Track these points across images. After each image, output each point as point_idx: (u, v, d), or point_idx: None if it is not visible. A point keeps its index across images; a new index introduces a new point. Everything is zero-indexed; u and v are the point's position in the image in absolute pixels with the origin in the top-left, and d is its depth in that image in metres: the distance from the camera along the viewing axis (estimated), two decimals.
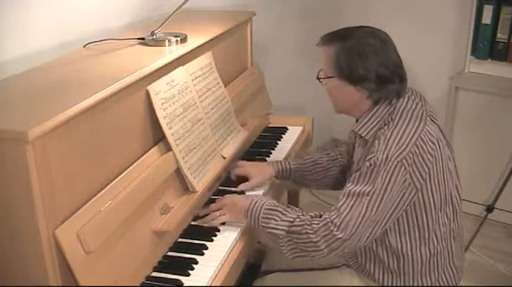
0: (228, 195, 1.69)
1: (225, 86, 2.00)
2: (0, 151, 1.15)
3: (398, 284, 1.58)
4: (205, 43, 1.88)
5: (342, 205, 1.45)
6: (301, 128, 2.33)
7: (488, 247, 2.71)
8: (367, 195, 1.43)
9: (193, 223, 1.66)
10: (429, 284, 1.58)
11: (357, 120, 1.60)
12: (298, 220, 1.49)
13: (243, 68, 2.33)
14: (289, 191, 2.45)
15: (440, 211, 1.53)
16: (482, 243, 2.70)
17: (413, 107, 1.52)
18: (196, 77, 1.82)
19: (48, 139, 1.18)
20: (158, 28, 1.81)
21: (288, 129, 2.32)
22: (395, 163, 1.42)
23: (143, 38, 1.83)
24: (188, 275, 1.44)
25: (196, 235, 1.60)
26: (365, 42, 1.50)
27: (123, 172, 1.45)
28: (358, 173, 1.47)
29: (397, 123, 1.49)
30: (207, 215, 1.65)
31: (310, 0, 3.23)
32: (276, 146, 2.17)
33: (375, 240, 1.54)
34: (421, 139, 1.46)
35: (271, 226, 1.51)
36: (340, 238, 1.43)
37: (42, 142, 1.16)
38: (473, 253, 2.64)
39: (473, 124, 2.85)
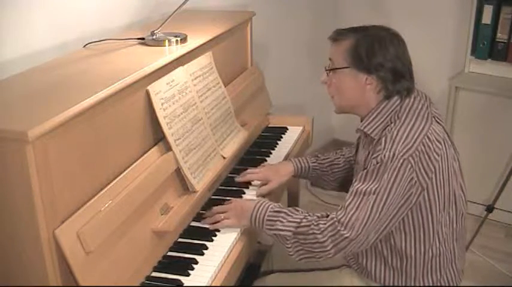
0: (234, 199, 1.68)
1: (225, 86, 2.00)
2: (0, 151, 1.15)
3: (400, 283, 1.58)
4: (205, 43, 1.88)
5: (349, 204, 1.45)
6: (301, 128, 2.33)
7: (488, 247, 2.71)
8: (374, 193, 1.42)
9: (193, 223, 1.66)
10: (430, 284, 1.58)
11: (361, 120, 1.60)
12: (305, 220, 1.48)
13: (243, 68, 2.33)
14: (289, 191, 2.44)
15: (444, 211, 1.53)
16: (482, 243, 2.70)
17: (420, 107, 1.52)
18: (196, 77, 1.82)
19: (48, 139, 1.18)
20: (158, 28, 1.81)
21: (288, 129, 2.32)
22: (401, 160, 1.42)
23: (143, 38, 1.83)
24: (188, 275, 1.44)
25: (196, 235, 1.60)
26: (383, 34, 1.53)
27: (123, 172, 1.45)
28: (364, 172, 1.47)
29: (404, 121, 1.48)
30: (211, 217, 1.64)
31: (310, 0, 3.23)
32: (276, 146, 2.17)
33: (379, 239, 1.54)
34: (428, 138, 1.46)
35: (277, 227, 1.51)
36: (347, 237, 1.42)
37: (42, 142, 1.16)
38: (473, 253, 2.64)
39: (473, 124, 2.85)
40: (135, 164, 1.49)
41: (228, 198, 1.77)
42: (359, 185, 1.46)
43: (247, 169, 1.88)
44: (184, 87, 1.73)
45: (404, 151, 1.43)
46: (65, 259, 1.22)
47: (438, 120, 1.55)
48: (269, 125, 2.36)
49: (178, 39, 1.80)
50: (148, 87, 1.57)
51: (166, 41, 1.79)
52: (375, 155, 1.46)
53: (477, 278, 2.44)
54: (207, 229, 1.62)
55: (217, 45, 2.00)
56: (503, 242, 2.78)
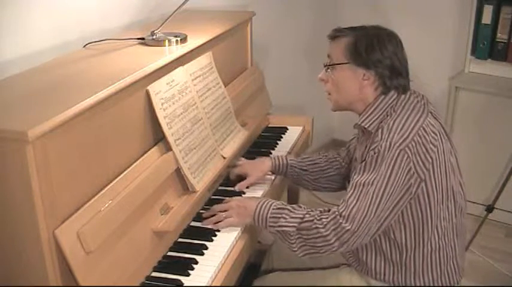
0: (235, 197, 1.68)
1: (225, 86, 2.00)
2: (0, 151, 1.15)
3: (400, 278, 1.59)
4: (205, 43, 1.88)
5: (349, 197, 1.47)
6: (301, 128, 2.33)
7: (488, 247, 2.71)
8: (372, 184, 1.44)
9: (193, 223, 1.66)
10: (431, 281, 1.58)
11: (359, 115, 1.61)
12: (307, 215, 1.49)
13: (243, 68, 2.33)
14: (289, 191, 2.45)
15: (442, 205, 1.54)
16: (482, 243, 2.70)
17: (415, 101, 1.56)
18: (196, 77, 1.82)
19: (48, 139, 1.18)
20: (158, 28, 1.81)
21: (288, 129, 2.32)
22: (398, 150, 1.44)
23: (143, 38, 1.83)
24: (188, 275, 1.44)
25: (196, 235, 1.60)
26: (381, 33, 1.57)
27: (123, 172, 1.45)
28: (363, 164, 1.49)
29: (400, 113, 1.52)
30: (212, 216, 1.64)
31: (310, 1, 3.23)
32: (276, 146, 2.17)
33: (379, 234, 1.54)
34: (423, 129, 1.49)
35: (281, 224, 1.52)
36: (348, 229, 1.43)
37: (42, 142, 1.16)
38: (473, 253, 2.64)
39: (473, 124, 2.85)
40: (135, 164, 1.49)
41: (227, 198, 1.77)
42: (358, 178, 1.48)
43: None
44: (184, 87, 1.73)
45: (401, 141, 1.45)
46: (65, 259, 1.22)
47: (434, 115, 1.57)
48: (269, 125, 2.36)
49: (178, 39, 1.80)
50: (148, 87, 1.57)
51: (166, 41, 1.79)
52: (372, 147, 1.49)
53: (477, 278, 2.44)
54: (207, 228, 1.62)
55: (217, 45, 2.00)
56: (503, 242, 2.78)
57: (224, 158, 1.86)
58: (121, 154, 1.47)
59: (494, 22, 2.77)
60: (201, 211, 1.71)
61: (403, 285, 1.59)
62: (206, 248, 1.54)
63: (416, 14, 3.11)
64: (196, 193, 1.66)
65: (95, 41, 1.80)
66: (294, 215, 1.51)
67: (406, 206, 1.50)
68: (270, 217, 1.54)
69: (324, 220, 1.46)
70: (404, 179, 1.46)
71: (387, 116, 1.53)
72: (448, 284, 1.61)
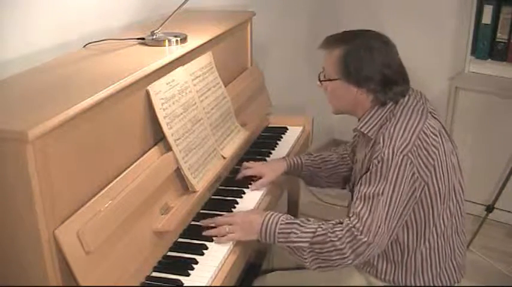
0: (238, 212, 1.66)
1: (225, 86, 2.00)
2: (0, 151, 1.15)
3: (400, 278, 1.59)
4: (205, 43, 1.88)
5: (360, 209, 1.46)
6: (301, 128, 2.33)
7: (488, 247, 2.71)
8: (382, 194, 1.44)
9: (193, 223, 1.66)
10: (430, 279, 1.59)
11: (358, 120, 1.61)
12: (319, 229, 1.48)
13: (243, 68, 2.33)
14: (289, 191, 2.45)
15: (444, 204, 1.54)
16: (482, 243, 2.70)
17: (414, 103, 1.55)
18: (196, 77, 1.82)
19: (48, 139, 1.18)
20: (158, 28, 1.81)
21: (288, 129, 2.32)
22: (401, 156, 1.44)
23: (143, 38, 1.82)
24: (188, 275, 1.44)
25: (196, 235, 1.59)
26: (369, 44, 1.53)
27: (123, 172, 1.45)
28: (368, 174, 1.48)
29: (399, 118, 1.51)
30: (211, 227, 1.59)
31: (310, 1, 3.23)
32: (276, 146, 2.17)
33: None
34: (424, 133, 1.48)
35: (292, 239, 1.50)
36: (365, 241, 1.43)
37: (42, 142, 1.16)
38: (473, 253, 2.64)
39: (473, 124, 2.85)
40: (135, 164, 1.49)
41: (228, 198, 1.77)
42: (365, 189, 1.47)
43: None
44: (184, 87, 1.73)
45: (403, 147, 1.45)
46: (65, 259, 1.22)
47: (434, 115, 1.57)
48: (269, 125, 2.36)
49: (178, 39, 1.80)
50: (149, 87, 1.57)
51: (166, 41, 1.79)
52: (375, 155, 1.48)
53: (477, 278, 2.43)
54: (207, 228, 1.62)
55: (217, 45, 2.00)
56: (503, 242, 2.78)
57: (224, 158, 1.86)
58: (121, 153, 1.47)
59: (494, 22, 2.77)
60: (201, 211, 1.71)
61: (403, 284, 1.59)
62: (206, 248, 1.54)
63: (416, 14, 3.11)
64: (196, 193, 1.66)
65: (95, 41, 1.80)
66: (305, 230, 1.49)
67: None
68: (278, 233, 1.52)
69: (338, 232, 1.45)
70: (409, 184, 1.46)
71: (386, 121, 1.53)
72: (448, 283, 1.61)
